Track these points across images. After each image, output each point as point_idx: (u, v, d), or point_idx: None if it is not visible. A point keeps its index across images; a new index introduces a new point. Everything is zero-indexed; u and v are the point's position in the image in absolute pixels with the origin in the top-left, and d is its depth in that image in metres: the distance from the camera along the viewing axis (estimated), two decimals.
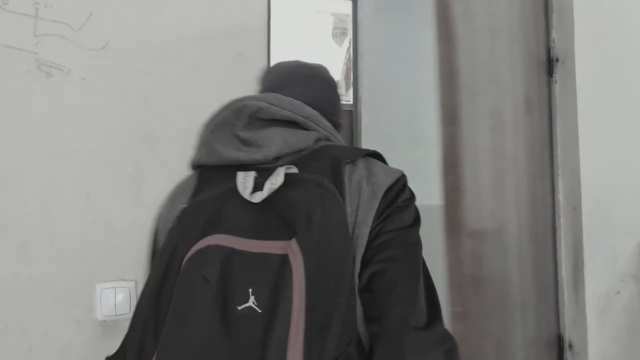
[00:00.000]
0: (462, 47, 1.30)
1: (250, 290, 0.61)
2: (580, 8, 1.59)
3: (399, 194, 0.72)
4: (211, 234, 0.66)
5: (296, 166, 0.70)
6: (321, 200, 0.65)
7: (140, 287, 1.17)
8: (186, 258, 0.66)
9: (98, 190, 1.17)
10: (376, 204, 0.69)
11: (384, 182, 0.71)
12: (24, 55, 1.14)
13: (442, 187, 1.50)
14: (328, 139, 0.80)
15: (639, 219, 1.62)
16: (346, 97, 2.74)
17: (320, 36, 2.74)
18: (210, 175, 0.77)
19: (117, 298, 1.15)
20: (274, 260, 0.62)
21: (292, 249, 0.61)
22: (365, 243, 0.67)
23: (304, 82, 0.89)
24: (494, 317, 1.41)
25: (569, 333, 1.60)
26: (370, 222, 0.68)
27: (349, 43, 2.61)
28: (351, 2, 2.62)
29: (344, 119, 0.98)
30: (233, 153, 0.75)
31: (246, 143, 0.75)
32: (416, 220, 0.73)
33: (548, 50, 1.66)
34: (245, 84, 1.28)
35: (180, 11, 1.24)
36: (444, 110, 1.22)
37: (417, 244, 0.72)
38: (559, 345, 1.61)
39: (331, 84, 0.97)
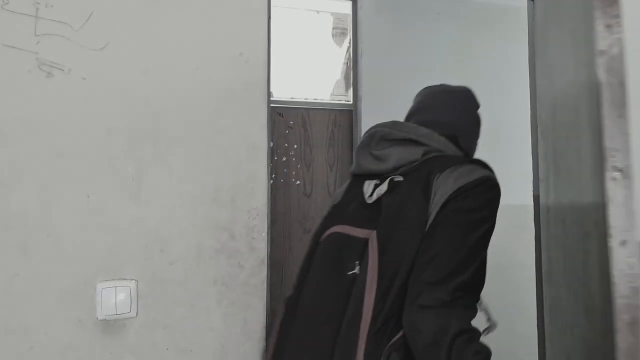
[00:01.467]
0: None
1: (356, 262, 0.93)
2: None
3: (457, 198, 0.90)
4: (337, 224, 1.04)
5: (406, 175, 0.98)
6: (403, 202, 0.93)
7: (141, 286, 1.17)
8: (321, 239, 1.06)
9: (98, 190, 1.17)
10: (440, 205, 0.91)
11: (446, 191, 0.91)
12: (24, 55, 1.14)
13: None
14: (440, 150, 1.04)
15: (639, 218, 1.62)
16: (346, 97, 2.75)
17: (320, 36, 2.75)
18: (356, 181, 1.10)
19: (118, 297, 1.15)
20: (362, 242, 0.94)
21: (372, 237, 0.93)
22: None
23: (440, 106, 1.17)
24: None
25: None
26: (433, 216, 0.90)
27: (349, 43, 2.62)
28: (351, 2, 2.63)
29: (474, 139, 1.19)
30: (369, 166, 1.06)
31: (377, 158, 1.05)
32: (476, 208, 0.91)
33: None
34: (245, 84, 1.29)
35: (180, 11, 1.25)
36: None
37: (466, 223, 0.90)
38: None
39: (466, 108, 1.19)
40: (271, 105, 1.37)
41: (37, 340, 1.12)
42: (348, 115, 2.63)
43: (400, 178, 0.97)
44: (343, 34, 2.72)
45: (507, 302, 2.33)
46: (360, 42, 2.58)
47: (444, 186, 0.91)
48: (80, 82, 1.17)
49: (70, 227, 1.15)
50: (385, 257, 0.89)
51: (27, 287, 1.12)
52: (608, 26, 1.16)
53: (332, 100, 2.69)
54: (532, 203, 1.78)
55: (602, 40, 1.16)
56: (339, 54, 2.71)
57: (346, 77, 2.69)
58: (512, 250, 2.41)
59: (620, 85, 1.17)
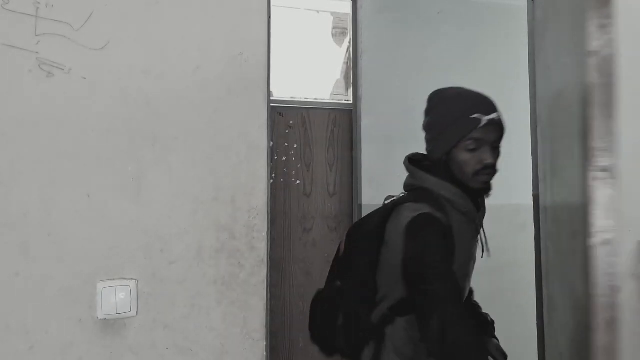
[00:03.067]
0: None
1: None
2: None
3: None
4: None
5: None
6: None
7: (141, 286, 1.18)
8: None
9: (99, 189, 1.17)
10: None
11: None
12: (24, 55, 1.14)
13: None
14: (412, 185, 1.36)
15: (639, 218, 1.62)
16: (346, 97, 2.74)
17: (320, 36, 2.75)
18: None
19: (118, 297, 1.15)
20: None
21: None
22: None
23: (427, 111, 1.38)
24: None
25: None
26: None
27: (349, 43, 2.62)
28: (351, 2, 2.63)
29: (438, 136, 1.30)
30: None
31: None
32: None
33: None
34: (245, 84, 1.29)
35: (180, 11, 1.25)
36: None
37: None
38: None
39: (440, 109, 1.35)
40: (271, 105, 1.37)
41: (38, 340, 1.12)
42: (348, 115, 2.63)
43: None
44: (343, 33, 2.72)
45: (507, 302, 2.33)
46: (360, 42, 2.57)
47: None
48: (81, 82, 1.17)
49: (71, 226, 1.15)
50: None
51: (27, 286, 1.12)
52: (601, 26, 1.15)
53: (332, 100, 2.69)
54: (532, 203, 1.78)
55: (595, 41, 1.15)
56: (339, 53, 2.71)
57: (346, 77, 2.69)
58: (512, 250, 2.41)
59: (609, 85, 1.17)
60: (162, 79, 1.22)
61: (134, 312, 1.17)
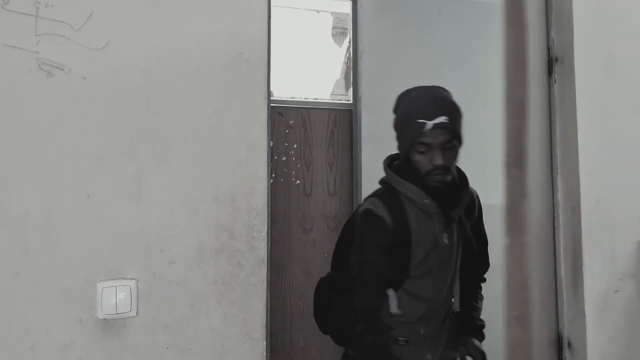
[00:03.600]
0: None
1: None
2: (579, 8, 1.60)
3: None
4: None
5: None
6: None
7: (141, 286, 1.18)
8: None
9: (98, 189, 1.17)
10: None
11: None
12: (24, 55, 1.14)
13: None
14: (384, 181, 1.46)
15: (638, 218, 1.62)
16: (346, 97, 2.74)
17: (320, 36, 2.74)
18: None
19: (118, 297, 1.15)
20: None
21: None
22: None
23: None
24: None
25: (568, 332, 1.60)
26: None
27: (349, 43, 2.62)
28: (351, 1, 2.63)
29: (399, 137, 1.38)
30: None
31: None
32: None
33: (547, 50, 1.66)
34: (245, 84, 1.29)
35: (180, 11, 1.25)
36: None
37: None
38: (558, 343, 1.61)
39: (396, 109, 1.45)
40: (271, 105, 1.37)
41: (38, 340, 1.12)
42: (348, 115, 2.63)
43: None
44: (343, 33, 2.72)
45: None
46: (360, 42, 2.57)
47: None
48: (81, 82, 1.17)
49: (71, 226, 1.15)
50: None
51: (27, 286, 1.12)
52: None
53: (332, 100, 2.69)
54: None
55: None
56: (339, 53, 2.71)
57: (346, 77, 2.69)
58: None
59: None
60: (162, 79, 1.22)
61: (134, 312, 1.17)
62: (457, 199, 1.38)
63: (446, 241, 1.37)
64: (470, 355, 1.37)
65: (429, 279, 1.36)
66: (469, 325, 1.43)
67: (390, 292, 1.35)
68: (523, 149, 1.07)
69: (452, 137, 1.30)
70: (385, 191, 1.40)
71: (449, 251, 1.38)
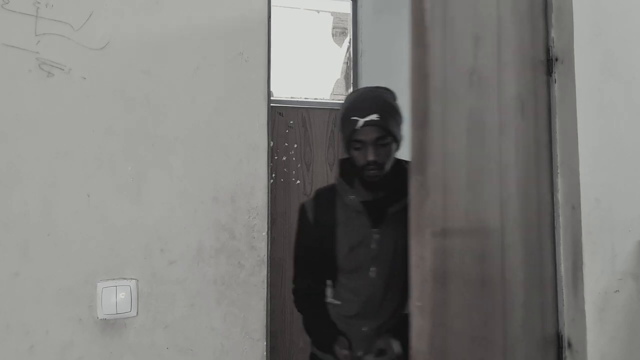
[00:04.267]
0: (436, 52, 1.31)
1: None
2: (579, 7, 1.59)
3: None
4: None
5: None
6: None
7: (141, 286, 1.18)
8: None
9: (98, 189, 1.17)
10: None
11: None
12: (24, 55, 1.14)
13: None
14: None
15: (639, 218, 1.62)
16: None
17: (320, 36, 2.75)
18: None
19: (118, 296, 1.15)
20: None
21: None
22: None
23: None
24: (466, 313, 1.41)
25: (567, 331, 1.60)
26: None
27: (349, 43, 2.62)
28: (351, 2, 2.63)
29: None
30: None
31: None
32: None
33: (547, 50, 1.66)
34: (245, 84, 1.29)
35: (180, 11, 1.25)
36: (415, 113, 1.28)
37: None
38: (558, 343, 1.61)
39: None
40: (271, 105, 1.37)
41: (38, 340, 1.12)
42: None
43: None
44: (343, 33, 2.72)
45: None
46: (360, 42, 2.57)
47: None
48: (81, 81, 1.17)
49: (71, 226, 1.15)
50: None
51: (27, 286, 1.12)
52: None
53: (332, 99, 2.69)
54: None
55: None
56: (339, 53, 2.71)
57: (346, 77, 2.69)
58: None
59: None
60: (162, 79, 1.22)
61: (134, 312, 1.17)
62: (398, 196, 1.41)
63: (377, 237, 1.41)
64: (382, 353, 1.37)
65: (361, 273, 1.43)
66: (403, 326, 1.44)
67: (329, 282, 1.49)
68: (425, 156, 1.16)
69: (384, 134, 1.36)
70: (329, 186, 1.55)
71: (381, 248, 1.41)
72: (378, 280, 1.43)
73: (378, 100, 1.39)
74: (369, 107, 1.37)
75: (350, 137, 1.37)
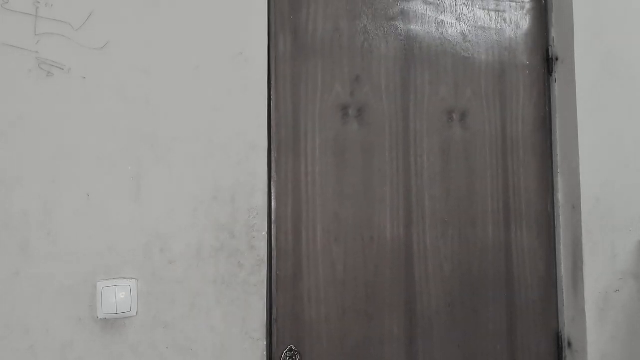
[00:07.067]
0: None
1: None
2: (579, 7, 1.60)
3: None
4: None
5: None
6: None
7: (141, 285, 1.18)
8: None
9: (98, 189, 1.17)
10: None
11: None
12: (24, 55, 1.14)
13: None
14: None
15: (639, 217, 1.62)
16: None
17: None
18: None
19: (118, 296, 1.15)
20: None
21: None
22: None
23: None
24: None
25: (568, 331, 1.60)
26: None
27: None
28: None
29: None
30: None
31: None
32: None
33: (547, 49, 1.66)
34: (245, 84, 1.29)
35: (180, 10, 1.25)
36: None
37: None
38: (558, 343, 1.61)
39: None
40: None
41: (38, 339, 1.12)
42: None
43: None
44: None
45: None
46: None
47: None
48: (80, 81, 1.17)
49: (71, 226, 1.15)
50: None
51: (27, 286, 1.12)
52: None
53: None
54: None
55: None
56: None
57: None
58: None
59: None
60: (162, 79, 1.22)
61: (134, 312, 1.17)
62: None
63: None
64: None
65: None
66: None
67: None
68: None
69: None
70: None
71: None
72: None
73: None
74: None
75: None
